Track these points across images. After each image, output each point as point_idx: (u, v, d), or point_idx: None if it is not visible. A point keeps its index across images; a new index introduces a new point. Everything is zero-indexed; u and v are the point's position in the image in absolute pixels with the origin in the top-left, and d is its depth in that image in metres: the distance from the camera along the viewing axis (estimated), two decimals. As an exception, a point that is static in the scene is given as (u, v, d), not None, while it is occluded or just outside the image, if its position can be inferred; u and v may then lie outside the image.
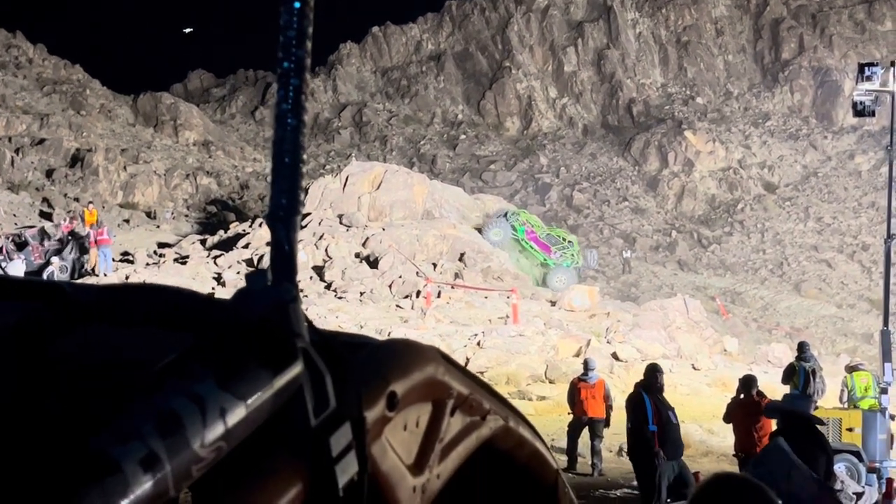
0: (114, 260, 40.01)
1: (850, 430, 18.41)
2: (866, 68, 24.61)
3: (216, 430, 0.98)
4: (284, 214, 1.13)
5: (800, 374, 18.15)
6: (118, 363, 1.11)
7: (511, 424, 1.75)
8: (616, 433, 22.28)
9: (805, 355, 18.52)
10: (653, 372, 14.08)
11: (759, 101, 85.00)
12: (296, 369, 1.09)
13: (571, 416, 19.85)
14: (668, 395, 27.99)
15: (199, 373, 1.02)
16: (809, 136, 79.46)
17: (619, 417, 21.45)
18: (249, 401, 1.02)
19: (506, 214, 47.87)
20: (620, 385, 27.96)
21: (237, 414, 1.00)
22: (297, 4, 1.12)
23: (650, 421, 13.31)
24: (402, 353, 1.36)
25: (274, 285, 1.13)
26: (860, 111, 25.04)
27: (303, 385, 1.09)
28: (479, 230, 45.99)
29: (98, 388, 1.04)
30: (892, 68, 24.20)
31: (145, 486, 0.90)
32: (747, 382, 16.20)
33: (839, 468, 16.91)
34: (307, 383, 1.10)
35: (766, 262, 63.92)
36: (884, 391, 18.96)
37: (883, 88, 24.21)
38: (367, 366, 1.29)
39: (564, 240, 47.40)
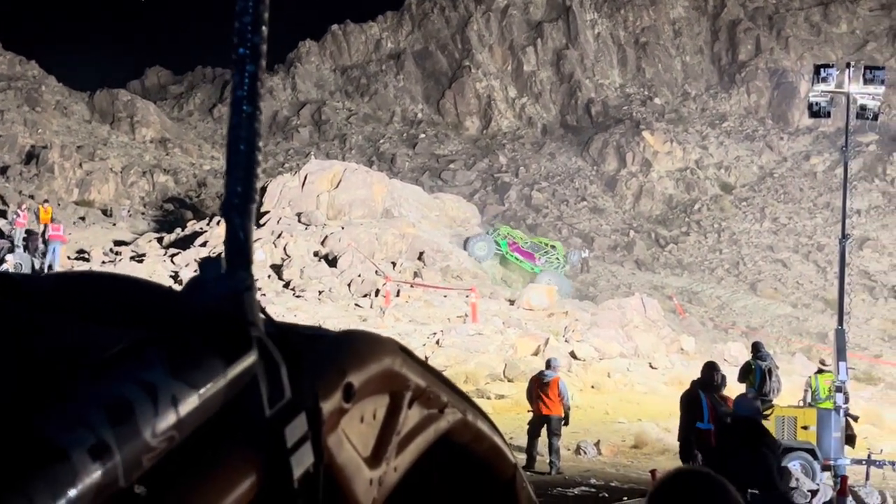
0: (69, 258, 39.56)
1: (805, 428, 18.59)
2: (822, 70, 24.80)
3: (168, 419, 0.96)
4: (239, 202, 1.12)
5: (756, 372, 18.32)
6: (68, 351, 1.08)
7: (469, 418, 1.74)
8: (574, 432, 22.39)
9: (761, 354, 18.69)
10: (710, 369, 13.93)
11: (716, 102, 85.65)
12: (250, 359, 1.08)
13: (532, 414, 19.85)
14: (624, 393, 28.24)
15: (151, 361, 1.00)
16: (766, 137, 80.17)
17: (572, 415, 21.51)
18: (202, 390, 1.01)
19: (488, 231, 49.08)
20: (578, 383, 28.12)
21: (190, 403, 0.99)
22: None
23: (705, 419, 13.18)
24: (359, 345, 1.34)
25: (228, 274, 1.11)
26: (816, 112, 25.25)
27: (257, 375, 1.08)
28: (464, 246, 46.45)
29: (47, 375, 1.01)
30: (847, 70, 24.45)
31: (94, 475, 0.88)
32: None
33: (794, 466, 17.11)
34: (262, 373, 1.09)
35: (722, 262, 64.41)
36: (838, 389, 19.15)
37: (838, 90, 24.43)
38: (324, 357, 1.27)
39: (547, 245, 48.45)
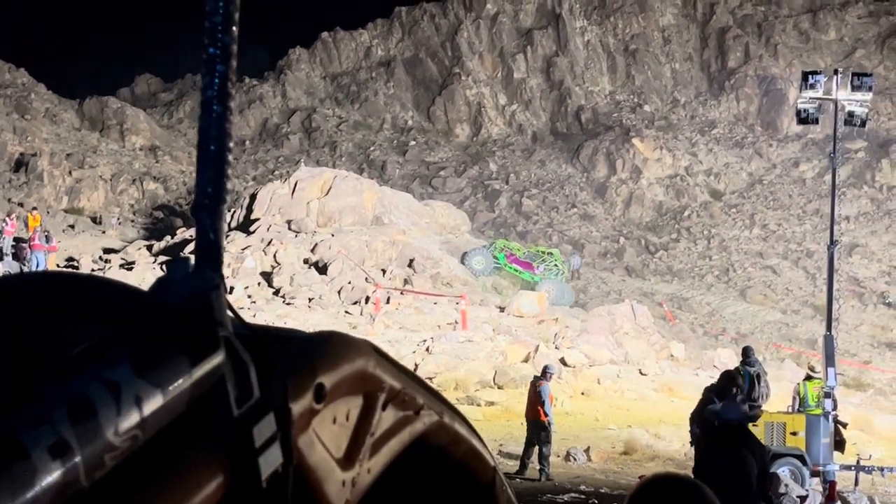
0: (58, 265, 39.46)
1: (794, 433, 18.61)
2: (810, 76, 24.92)
3: (131, 419, 0.95)
4: (209, 203, 1.12)
5: (745, 378, 18.33)
6: (32, 349, 1.07)
7: (446, 420, 1.73)
8: (564, 438, 22.39)
9: (750, 360, 18.70)
10: (728, 379, 13.76)
11: (706, 109, 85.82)
12: (217, 358, 1.07)
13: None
14: (614, 400, 28.25)
15: (114, 359, 0.99)
16: (755, 144, 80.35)
17: (562, 422, 21.54)
18: (167, 389, 1.00)
19: (485, 245, 49.44)
20: (568, 390, 28.13)
21: (154, 402, 0.98)
22: None
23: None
24: (331, 346, 1.34)
25: (196, 273, 1.11)
26: (804, 119, 25.36)
27: (224, 374, 1.07)
28: (461, 261, 46.54)
29: (9, 373, 1.00)
30: (835, 77, 24.55)
31: (54, 473, 0.87)
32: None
33: (783, 471, 17.12)
34: (229, 373, 1.08)
35: (712, 269, 64.51)
36: (827, 395, 19.18)
37: (826, 96, 24.53)
38: (295, 357, 1.26)
39: (545, 253, 48.80)
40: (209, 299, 1.09)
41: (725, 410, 11.29)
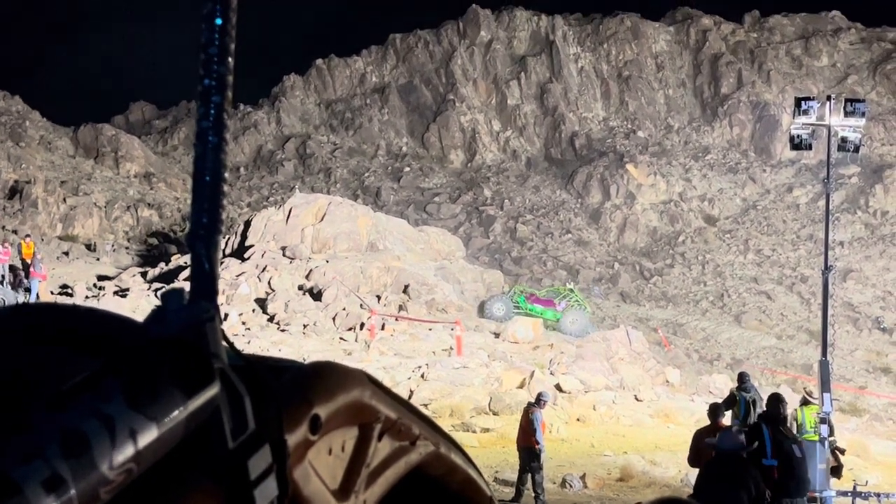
0: (52, 293, 39.41)
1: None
2: (803, 102, 25.03)
3: (126, 452, 0.94)
4: (205, 233, 1.12)
5: (740, 404, 18.31)
6: (23, 381, 1.06)
7: (442, 450, 1.72)
8: (560, 465, 22.34)
9: (745, 385, 18.67)
10: (775, 402, 13.42)
11: (699, 135, 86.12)
12: (212, 390, 1.06)
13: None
14: (609, 426, 28.17)
15: (108, 392, 0.98)
16: (748, 170, 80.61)
17: (558, 448, 21.46)
18: (162, 421, 0.99)
19: (504, 292, 50.10)
20: (564, 416, 28.08)
21: (148, 435, 0.97)
22: (219, 21, 1.11)
23: (768, 454, 12.40)
24: (326, 376, 1.33)
25: (191, 304, 1.11)
26: (797, 145, 25.46)
27: (220, 406, 1.07)
28: (480, 310, 46.77)
29: (3, 406, 0.98)
30: (828, 102, 24.67)
31: None
32: (714, 410, 16.28)
33: (780, 498, 17.04)
34: (225, 404, 1.08)
35: (706, 294, 64.55)
36: (823, 421, 19.16)
37: (819, 122, 24.64)
38: (290, 388, 1.25)
39: (564, 289, 49.63)
40: (204, 330, 1.09)
41: (723, 440, 11.29)
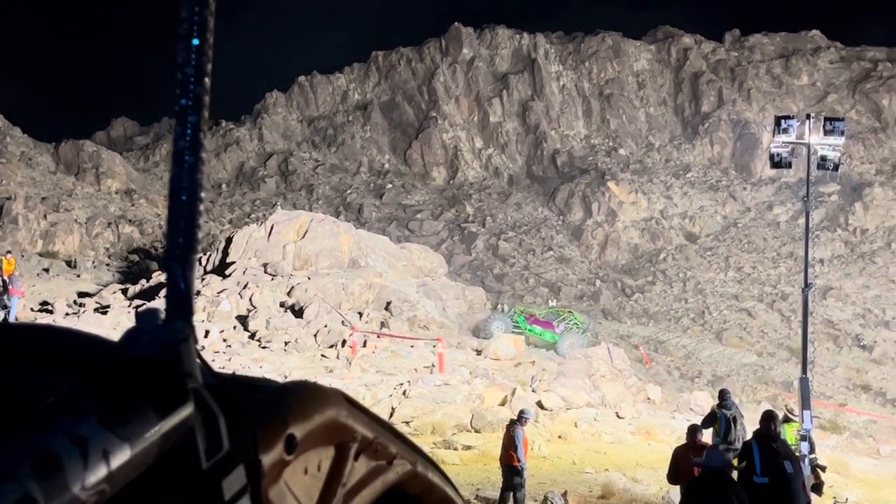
0: (32, 310, 39.17)
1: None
2: (783, 121, 25.16)
3: (98, 473, 0.93)
4: (181, 253, 1.12)
5: (721, 421, 18.35)
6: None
7: (419, 469, 1.72)
8: (541, 482, 22.29)
9: (726, 403, 18.71)
10: (767, 419, 13.36)
11: (680, 153, 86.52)
12: (186, 410, 1.06)
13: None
14: (591, 443, 28.14)
15: (82, 412, 0.98)
16: (729, 188, 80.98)
17: (539, 466, 21.42)
18: (135, 442, 0.99)
19: (503, 311, 50.10)
20: (545, 433, 28.04)
21: (121, 456, 0.97)
22: (196, 42, 1.12)
23: (757, 471, 12.33)
24: (302, 396, 1.33)
25: (166, 324, 1.11)
26: (777, 163, 25.59)
27: (194, 426, 1.07)
28: (475, 330, 46.99)
29: None
30: (807, 121, 24.81)
31: None
32: (692, 430, 16.36)
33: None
34: (199, 424, 1.08)
35: (688, 311, 64.69)
36: (804, 438, 19.21)
37: (799, 141, 24.78)
38: (266, 408, 1.25)
39: (564, 311, 50.45)
40: (179, 350, 1.09)
41: (709, 457, 11.31)
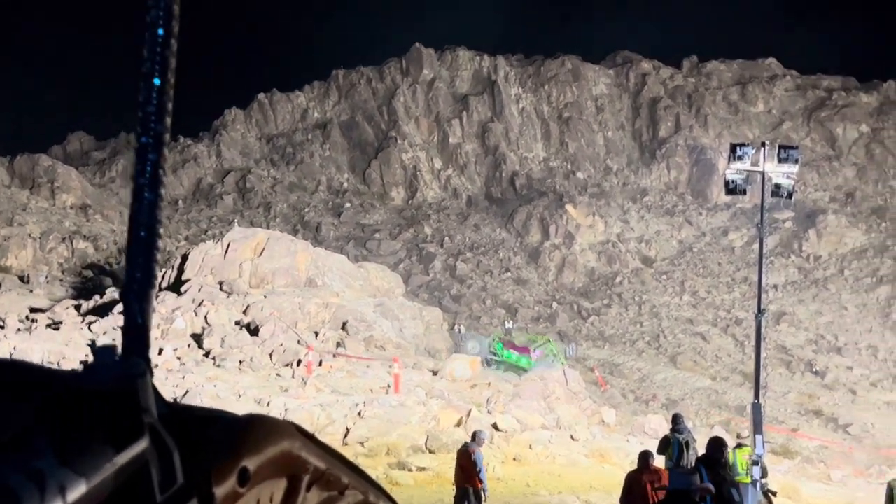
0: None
1: (722, 501, 18.69)
2: (738, 148, 25.41)
3: None
4: (139, 287, 1.13)
5: (673, 445, 18.43)
6: None
7: (371, 499, 1.73)
8: (496, 504, 22.25)
9: (679, 427, 18.80)
10: (716, 446, 13.64)
11: (638, 177, 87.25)
12: (141, 445, 1.07)
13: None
14: (545, 465, 28.18)
15: (38, 448, 0.98)
16: (685, 213, 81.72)
17: (494, 488, 21.37)
18: (91, 477, 0.99)
19: (484, 337, 51.69)
20: (500, 455, 28.03)
21: (77, 490, 0.97)
22: (157, 81, 1.12)
23: (707, 498, 12.33)
24: (255, 428, 1.34)
25: (123, 359, 1.12)
26: (732, 189, 25.81)
27: (149, 461, 1.08)
28: (456, 347, 47.56)
29: None
30: (762, 149, 25.09)
31: None
32: (645, 456, 16.38)
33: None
34: (154, 459, 1.08)
35: (643, 335, 65.06)
36: (755, 463, 19.32)
37: (754, 168, 25.04)
38: (219, 441, 1.26)
39: (542, 338, 51.64)
40: (135, 385, 1.10)
41: (673, 480, 11.37)
